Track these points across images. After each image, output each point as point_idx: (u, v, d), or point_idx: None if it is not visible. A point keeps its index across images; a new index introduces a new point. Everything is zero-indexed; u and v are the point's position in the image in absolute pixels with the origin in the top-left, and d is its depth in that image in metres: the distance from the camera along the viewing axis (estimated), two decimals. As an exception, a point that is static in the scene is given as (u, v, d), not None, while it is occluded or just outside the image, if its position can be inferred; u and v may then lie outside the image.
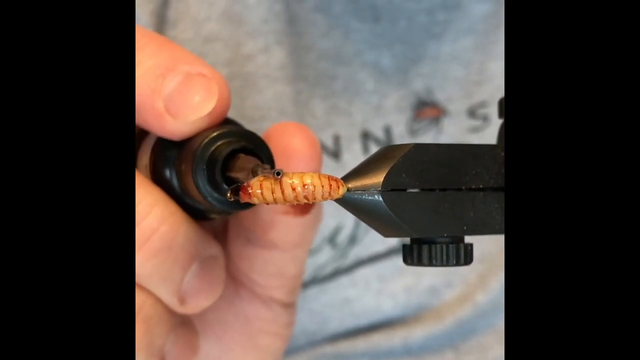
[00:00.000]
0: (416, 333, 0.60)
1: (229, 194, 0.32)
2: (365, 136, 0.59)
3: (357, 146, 0.59)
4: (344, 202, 0.33)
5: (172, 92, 0.34)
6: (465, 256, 0.34)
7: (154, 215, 0.35)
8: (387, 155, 0.33)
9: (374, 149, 0.59)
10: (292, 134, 0.38)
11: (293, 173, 0.32)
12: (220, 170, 0.34)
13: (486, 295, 0.61)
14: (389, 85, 0.59)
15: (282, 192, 0.32)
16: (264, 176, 0.32)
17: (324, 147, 0.59)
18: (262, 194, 0.32)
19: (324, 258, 0.60)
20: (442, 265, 0.33)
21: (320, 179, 0.32)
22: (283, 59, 0.57)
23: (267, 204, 0.32)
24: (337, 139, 0.59)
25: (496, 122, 0.60)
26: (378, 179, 0.33)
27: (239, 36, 0.58)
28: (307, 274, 0.60)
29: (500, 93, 0.60)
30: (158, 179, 0.37)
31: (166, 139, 0.36)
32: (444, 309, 0.61)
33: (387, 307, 0.61)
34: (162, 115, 0.34)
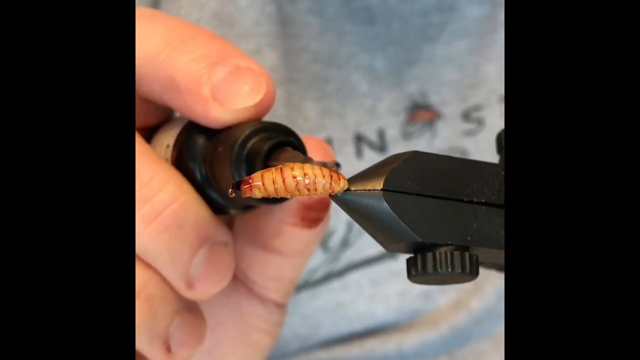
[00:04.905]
0: (410, 339, 0.60)
1: (230, 190, 0.33)
2: (359, 139, 0.59)
3: (350, 149, 0.59)
4: (345, 203, 0.33)
5: (220, 80, 0.35)
6: (471, 265, 0.33)
7: (166, 192, 0.36)
8: (388, 160, 0.34)
9: (367, 152, 0.59)
10: (312, 149, 0.38)
11: (294, 164, 0.32)
12: (262, 161, 0.34)
13: (481, 301, 0.61)
14: (382, 88, 0.59)
15: (284, 181, 0.32)
16: (266, 169, 0.32)
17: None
18: (263, 185, 0.32)
19: (316, 262, 0.59)
20: (447, 272, 0.33)
21: (321, 170, 0.32)
22: (275, 61, 0.57)
23: (269, 196, 0.32)
24: (329, 142, 0.59)
25: (490, 126, 0.60)
26: (379, 179, 0.33)
27: (230, 38, 0.57)
28: (299, 278, 0.59)
29: (495, 96, 0.60)
30: (180, 165, 0.37)
31: (197, 129, 0.36)
32: (438, 315, 0.61)
33: (380, 311, 0.61)
34: (208, 101, 0.35)
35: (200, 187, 0.37)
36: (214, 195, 0.37)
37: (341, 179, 0.33)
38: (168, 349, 0.38)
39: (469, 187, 0.34)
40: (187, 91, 0.35)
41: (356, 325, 0.61)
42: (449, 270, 0.33)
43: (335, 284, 0.60)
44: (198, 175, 0.37)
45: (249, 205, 0.37)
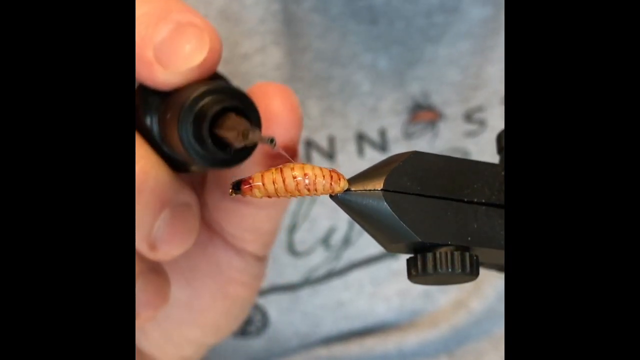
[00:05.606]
0: (410, 338, 0.60)
1: (230, 190, 0.33)
2: (360, 138, 0.59)
3: (351, 148, 0.59)
4: (345, 204, 0.33)
5: (162, 40, 0.34)
6: (471, 265, 0.33)
7: None
8: (388, 160, 0.34)
9: (368, 151, 0.59)
10: (272, 95, 0.37)
11: (294, 164, 0.33)
12: (208, 126, 0.33)
13: (481, 302, 0.61)
14: (385, 88, 0.59)
15: (284, 181, 0.32)
16: (267, 169, 0.33)
17: (318, 148, 0.59)
18: (264, 185, 0.32)
19: (318, 260, 0.59)
20: (447, 272, 0.33)
21: (321, 170, 0.33)
22: (279, 59, 0.57)
23: (269, 196, 0.32)
24: (332, 140, 0.59)
25: (492, 127, 0.61)
26: (380, 179, 0.33)
27: (235, 35, 0.58)
28: (300, 275, 0.60)
29: (497, 97, 0.60)
30: (137, 125, 0.36)
31: (152, 88, 0.35)
32: (438, 316, 0.61)
33: (381, 310, 0.61)
34: (152, 64, 0.34)
35: (159, 147, 0.36)
36: (172, 153, 0.36)
37: (341, 179, 0.33)
38: None
39: (469, 187, 0.34)
40: None
41: (356, 324, 0.61)
42: (449, 270, 0.33)
43: (336, 283, 0.60)
44: (156, 135, 0.36)
45: (212, 163, 0.36)
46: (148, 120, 0.36)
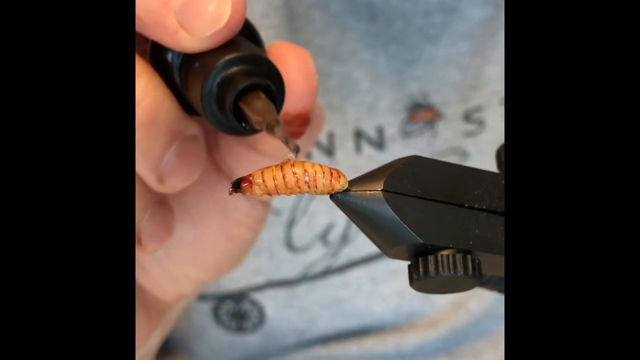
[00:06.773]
0: (410, 339, 0.61)
1: (230, 189, 0.33)
2: (358, 135, 0.59)
3: (350, 144, 0.59)
4: (345, 204, 0.33)
5: (183, 4, 0.33)
6: (473, 268, 0.33)
7: (137, 88, 0.34)
8: (389, 164, 0.34)
9: (366, 148, 0.59)
10: (289, 59, 0.37)
11: (294, 161, 0.33)
12: (234, 97, 0.33)
13: (480, 303, 0.61)
14: (383, 86, 0.59)
15: (284, 177, 0.32)
16: (266, 167, 0.33)
17: (318, 144, 0.59)
18: (264, 182, 0.32)
19: (316, 256, 0.60)
20: (449, 274, 0.32)
21: (321, 167, 0.33)
22: None
23: (270, 193, 0.33)
24: (331, 136, 0.59)
25: (491, 127, 0.61)
26: (380, 180, 0.33)
27: None
28: (297, 271, 0.60)
29: (496, 98, 0.61)
30: (157, 59, 0.35)
31: None
32: (437, 317, 0.61)
33: (378, 310, 0.61)
34: (177, 31, 0.33)
35: (175, 85, 0.35)
36: (188, 98, 0.35)
37: (341, 177, 0.33)
38: (139, 242, 0.38)
39: (470, 193, 0.34)
40: (154, 24, 0.33)
41: (353, 322, 0.61)
42: (452, 272, 0.32)
43: (334, 280, 0.60)
44: (175, 72, 0.35)
45: (223, 128, 0.35)
46: (169, 56, 0.35)
